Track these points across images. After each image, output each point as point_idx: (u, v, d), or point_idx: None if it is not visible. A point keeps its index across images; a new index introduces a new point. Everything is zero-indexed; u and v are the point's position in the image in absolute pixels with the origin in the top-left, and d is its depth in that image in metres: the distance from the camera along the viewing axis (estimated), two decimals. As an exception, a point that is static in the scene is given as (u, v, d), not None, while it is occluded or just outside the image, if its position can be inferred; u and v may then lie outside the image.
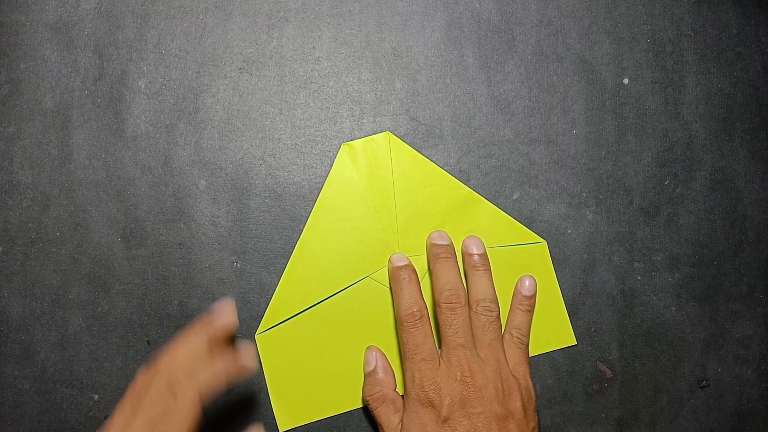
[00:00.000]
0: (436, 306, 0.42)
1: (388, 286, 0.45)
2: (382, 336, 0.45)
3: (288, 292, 0.45)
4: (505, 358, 0.42)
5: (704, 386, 0.44)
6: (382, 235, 0.45)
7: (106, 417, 0.44)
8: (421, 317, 0.41)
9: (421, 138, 0.47)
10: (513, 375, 0.41)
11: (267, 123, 0.46)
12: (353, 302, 0.45)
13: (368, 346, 0.44)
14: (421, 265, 0.45)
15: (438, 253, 0.43)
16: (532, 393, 0.42)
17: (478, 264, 0.44)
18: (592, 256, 0.47)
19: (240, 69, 0.46)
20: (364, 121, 0.46)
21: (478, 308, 0.42)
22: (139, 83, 0.46)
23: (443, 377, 0.40)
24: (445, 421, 0.39)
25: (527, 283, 0.45)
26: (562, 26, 0.47)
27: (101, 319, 0.45)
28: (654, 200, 0.47)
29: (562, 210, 0.47)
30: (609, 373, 0.46)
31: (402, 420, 0.40)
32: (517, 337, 0.43)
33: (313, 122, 0.46)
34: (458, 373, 0.39)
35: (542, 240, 0.46)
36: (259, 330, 0.44)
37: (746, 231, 0.47)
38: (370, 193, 0.45)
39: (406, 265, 0.44)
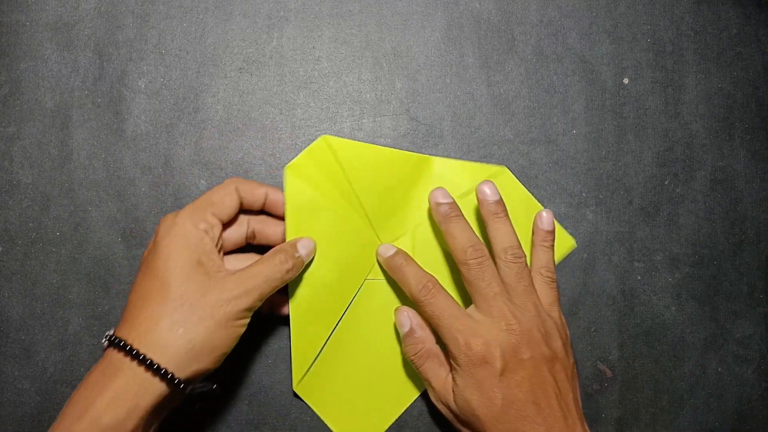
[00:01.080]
0: (462, 265, 0.41)
1: (386, 278, 0.45)
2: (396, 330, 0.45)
3: (302, 333, 0.43)
4: (539, 301, 0.42)
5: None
6: (362, 236, 0.44)
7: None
8: (434, 286, 0.41)
9: (421, 138, 0.47)
10: (550, 315, 0.41)
11: (267, 123, 0.46)
12: (365, 309, 0.45)
13: (397, 308, 0.43)
14: (408, 245, 0.45)
15: (447, 213, 0.42)
16: (567, 331, 0.42)
17: (497, 210, 0.43)
18: (592, 256, 0.47)
19: (240, 69, 0.46)
20: (364, 121, 0.46)
21: (507, 256, 0.41)
22: (139, 83, 0.46)
23: (488, 330, 0.39)
24: (502, 373, 0.38)
25: (546, 218, 0.44)
26: (562, 26, 0.47)
27: (101, 319, 0.45)
28: (654, 200, 0.47)
29: (562, 210, 0.47)
30: (609, 373, 0.46)
31: (454, 380, 0.40)
32: (548, 276, 0.43)
33: (313, 122, 0.46)
34: (503, 323, 0.39)
35: (503, 166, 0.46)
36: (294, 383, 0.44)
37: (746, 231, 0.47)
38: (332, 201, 0.44)
39: (396, 252, 0.43)
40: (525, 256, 0.42)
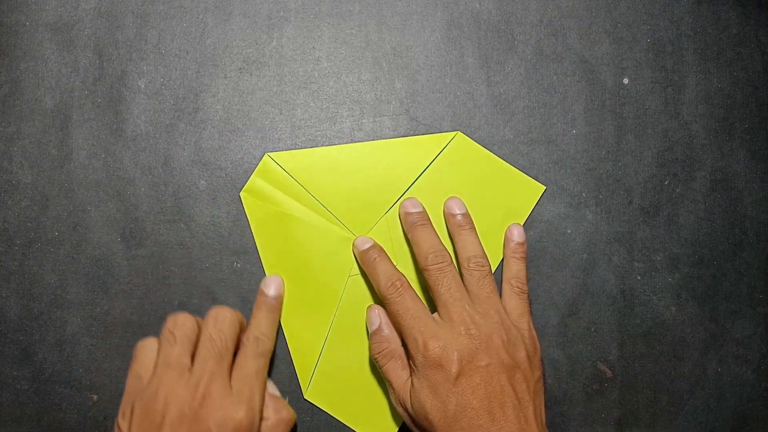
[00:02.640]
0: (424, 271, 0.42)
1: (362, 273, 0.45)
2: None
3: (298, 342, 0.44)
4: (505, 310, 0.41)
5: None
6: (334, 236, 0.45)
7: (104, 418, 0.44)
8: (402, 285, 0.41)
9: (421, 138, 0.47)
10: (515, 326, 0.41)
11: (267, 123, 0.46)
12: (356, 305, 0.45)
13: (368, 306, 0.44)
14: (384, 230, 0.45)
15: (414, 221, 0.44)
16: (537, 343, 0.41)
17: (462, 223, 0.44)
18: (592, 256, 0.47)
19: (240, 69, 0.46)
20: (364, 121, 0.46)
21: (470, 265, 0.42)
22: (139, 83, 0.46)
23: (447, 334, 0.39)
24: (457, 378, 0.38)
25: (515, 231, 0.45)
26: (562, 26, 0.48)
27: (100, 320, 0.45)
28: (654, 200, 0.47)
29: (562, 210, 0.47)
30: (609, 373, 0.46)
31: (412, 383, 0.40)
32: (517, 287, 0.43)
33: (313, 122, 0.46)
34: (462, 328, 0.39)
35: (456, 131, 0.46)
36: (304, 391, 0.44)
37: (746, 231, 0.47)
38: (295, 212, 0.45)
39: (371, 246, 0.44)
40: (489, 265, 0.43)
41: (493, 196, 0.46)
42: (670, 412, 0.46)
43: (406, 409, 0.40)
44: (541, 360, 0.42)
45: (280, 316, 0.44)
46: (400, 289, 0.41)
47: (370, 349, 0.42)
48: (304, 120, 0.46)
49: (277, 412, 0.40)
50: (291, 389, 0.44)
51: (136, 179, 0.46)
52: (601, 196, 0.47)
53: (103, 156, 0.46)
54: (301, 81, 0.47)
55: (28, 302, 0.45)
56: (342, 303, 0.45)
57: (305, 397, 0.44)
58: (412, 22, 0.47)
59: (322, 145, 0.46)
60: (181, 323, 0.39)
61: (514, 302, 0.42)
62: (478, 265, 0.42)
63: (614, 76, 0.47)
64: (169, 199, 0.45)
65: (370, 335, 0.43)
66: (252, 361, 0.40)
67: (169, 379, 0.37)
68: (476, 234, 0.44)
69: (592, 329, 0.46)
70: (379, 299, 0.45)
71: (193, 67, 0.46)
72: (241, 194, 0.45)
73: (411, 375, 0.40)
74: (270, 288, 0.43)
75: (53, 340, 0.45)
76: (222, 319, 0.40)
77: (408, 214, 0.44)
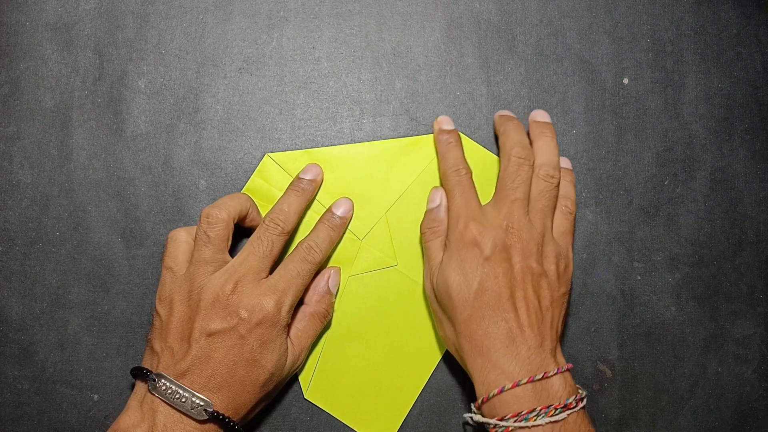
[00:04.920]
0: (504, 159, 0.42)
1: (367, 272, 0.45)
2: (392, 320, 0.45)
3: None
4: (551, 225, 0.42)
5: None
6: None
7: (105, 417, 0.44)
8: (466, 173, 0.43)
9: (421, 138, 0.47)
10: (557, 242, 0.42)
11: (267, 123, 0.46)
12: (354, 305, 0.45)
13: (434, 187, 0.44)
14: (384, 229, 0.46)
15: (507, 114, 0.46)
16: (571, 263, 0.42)
17: (545, 131, 0.44)
18: (592, 256, 0.47)
19: (240, 69, 0.46)
20: (364, 121, 0.46)
21: (541, 172, 0.42)
22: (139, 83, 0.46)
23: (489, 222, 0.40)
24: (487, 259, 0.39)
25: (536, 112, 0.46)
26: (562, 26, 0.47)
27: (101, 319, 0.45)
28: (654, 200, 0.47)
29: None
30: (609, 373, 0.46)
31: (442, 259, 0.41)
32: (565, 206, 0.43)
33: (313, 122, 0.46)
34: (505, 222, 0.40)
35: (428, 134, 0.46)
36: (304, 391, 0.44)
37: (746, 231, 0.47)
38: None
39: (453, 130, 0.45)
40: (558, 179, 0.43)
41: (488, 192, 0.45)
42: (670, 412, 0.46)
43: (431, 284, 0.42)
44: (571, 281, 0.42)
45: (340, 237, 0.44)
46: (464, 175, 0.43)
47: (422, 223, 0.44)
48: (304, 120, 0.46)
49: (318, 304, 0.42)
50: (291, 389, 0.44)
51: (136, 179, 0.46)
52: (601, 196, 0.47)
53: (103, 156, 0.46)
54: (301, 81, 0.47)
55: (29, 302, 0.45)
56: (342, 303, 0.45)
57: (305, 397, 0.44)
58: (412, 22, 0.47)
59: (323, 146, 0.46)
60: (214, 223, 0.40)
61: (560, 220, 0.43)
62: (548, 176, 0.42)
63: (614, 76, 0.47)
64: (169, 199, 0.45)
65: (426, 211, 0.44)
66: (297, 264, 0.41)
67: (203, 272, 0.39)
68: (556, 144, 0.44)
69: (592, 329, 0.46)
70: (376, 300, 0.45)
71: (193, 67, 0.46)
72: (243, 192, 0.45)
73: (443, 253, 0.41)
74: (339, 209, 0.44)
75: (54, 340, 0.45)
76: (275, 222, 0.41)
77: (500, 115, 0.45)
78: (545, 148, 0.43)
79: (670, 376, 0.46)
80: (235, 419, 0.38)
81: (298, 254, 0.41)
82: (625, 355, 0.46)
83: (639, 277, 0.47)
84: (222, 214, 0.40)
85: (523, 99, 0.47)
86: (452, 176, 0.43)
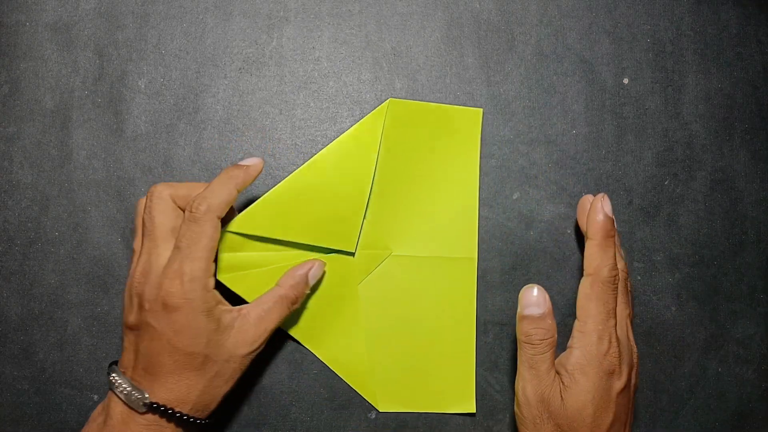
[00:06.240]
0: (602, 284, 0.39)
1: (372, 272, 0.45)
2: (418, 301, 0.45)
3: (346, 367, 0.45)
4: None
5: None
6: (327, 261, 0.44)
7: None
8: (618, 281, 0.40)
9: (421, 138, 0.47)
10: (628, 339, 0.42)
11: (267, 123, 0.46)
12: (376, 307, 0.45)
13: (527, 287, 0.40)
14: (378, 261, 0.45)
15: (609, 231, 0.41)
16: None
17: (613, 233, 0.42)
18: (592, 256, 0.47)
19: (240, 69, 0.46)
20: (364, 121, 0.46)
21: (615, 280, 0.41)
22: (139, 83, 0.46)
23: (624, 346, 0.40)
24: (621, 391, 0.39)
25: (599, 207, 0.41)
26: (562, 26, 0.47)
27: (100, 320, 0.45)
28: (654, 200, 0.47)
29: (562, 210, 0.47)
30: (609, 373, 0.46)
31: (563, 381, 0.39)
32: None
33: (313, 122, 0.46)
34: (627, 344, 0.40)
35: (386, 102, 0.45)
36: (377, 407, 0.45)
37: (746, 231, 0.47)
38: (279, 261, 0.43)
39: (613, 223, 0.41)
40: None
41: (443, 140, 0.45)
42: (670, 412, 0.46)
43: (544, 401, 0.39)
44: None
45: (237, 190, 0.40)
46: (620, 282, 0.40)
47: (532, 334, 0.39)
48: (304, 120, 0.46)
49: (291, 289, 0.41)
50: (291, 389, 0.44)
51: (136, 179, 0.46)
52: (601, 196, 0.47)
53: (103, 156, 0.46)
54: (301, 81, 0.47)
55: (28, 302, 0.45)
56: (364, 311, 0.45)
57: (380, 411, 0.44)
58: (412, 22, 0.47)
59: (323, 145, 0.46)
60: (136, 213, 0.41)
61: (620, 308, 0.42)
62: (623, 278, 0.41)
63: (614, 76, 0.47)
64: (169, 199, 0.45)
65: (530, 318, 0.39)
66: (185, 231, 0.38)
67: (134, 261, 0.40)
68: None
69: (592, 329, 0.46)
70: (395, 293, 0.45)
71: (193, 67, 0.46)
72: (219, 277, 0.41)
73: (567, 371, 0.39)
74: (245, 161, 0.41)
75: (54, 340, 0.45)
76: (153, 203, 0.40)
77: (607, 219, 0.40)
78: (611, 254, 0.40)
79: (670, 376, 0.46)
80: (179, 408, 0.37)
81: (184, 219, 0.39)
82: (625, 355, 0.46)
83: (639, 277, 0.47)
84: (138, 208, 0.41)
85: (523, 99, 0.47)
86: (606, 285, 0.39)
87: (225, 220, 0.41)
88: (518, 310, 0.40)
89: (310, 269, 0.42)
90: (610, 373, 0.39)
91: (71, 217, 0.45)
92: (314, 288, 0.43)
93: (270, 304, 0.41)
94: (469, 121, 0.46)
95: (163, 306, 0.37)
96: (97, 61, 0.46)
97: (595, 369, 0.38)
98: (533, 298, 0.40)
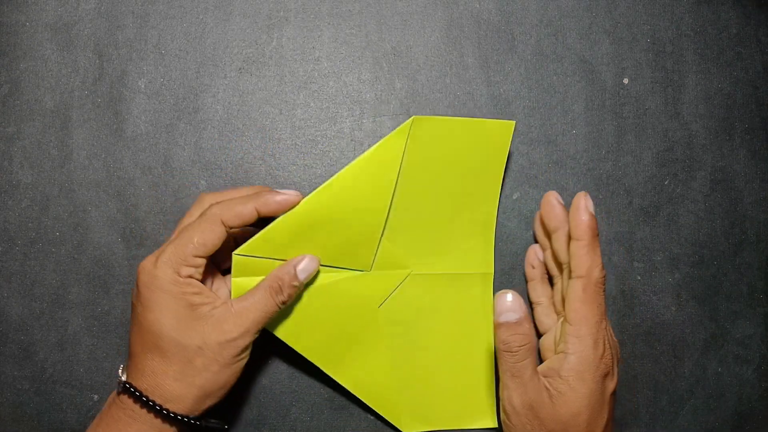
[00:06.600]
0: (592, 285, 0.39)
1: (391, 294, 0.44)
2: (434, 317, 0.44)
3: (367, 389, 0.44)
4: None
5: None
6: (346, 283, 0.42)
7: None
8: (604, 285, 0.40)
9: (421, 138, 0.47)
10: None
11: (267, 123, 0.46)
12: (395, 328, 0.44)
13: (500, 293, 0.39)
14: (397, 280, 0.44)
15: (595, 231, 0.40)
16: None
17: (597, 232, 0.41)
18: (592, 256, 0.47)
19: (240, 69, 0.46)
20: (364, 121, 0.46)
21: (600, 283, 0.40)
22: (139, 83, 0.46)
23: (613, 345, 0.40)
24: (614, 392, 0.39)
25: (582, 203, 0.40)
26: (562, 26, 0.47)
27: (101, 320, 0.45)
28: (654, 200, 0.47)
29: (562, 210, 0.47)
30: (609, 373, 0.46)
31: (558, 387, 0.38)
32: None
33: (313, 122, 0.46)
34: (615, 339, 0.41)
35: (410, 119, 0.41)
36: (402, 429, 0.44)
37: (746, 231, 0.47)
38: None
39: (596, 222, 0.40)
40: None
41: (467, 155, 0.43)
42: (670, 412, 0.46)
43: (533, 409, 0.38)
44: None
45: (256, 209, 0.39)
46: (604, 288, 0.39)
47: (508, 341, 0.38)
48: (304, 120, 0.46)
49: (276, 279, 0.39)
50: (292, 389, 0.44)
51: (136, 179, 0.46)
52: (601, 196, 0.47)
53: (103, 156, 0.46)
54: (301, 81, 0.47)
55: (29, 302, 0.45)
56: (383, 334, 0.44)
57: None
58: (412, 22, 0.47)
59: (323, 145, 0.46)
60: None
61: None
62: (603, 282, 0.40)
63: (614, 76, 0.47)
64: (169, 199, 0.45)
65: (506, 325, 0.38)
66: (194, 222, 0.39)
67: None
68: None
69: (592, 329, 0.46)
70: (411, 310, 0.44)
71: (193, 67, 0.46)
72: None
73: (555, 378, 0.39)
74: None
75: (54, 340, 0.45)
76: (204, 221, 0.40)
77: (593, 217, 0.40)
78: (598, 254, 0.40)
79: (670, 376, 0.46)
80: (152, 396, 0.37)
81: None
82: (625, 355, 0.46)
83: (639, 277, 0.47)
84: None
85: (523, 99, 0.47)
86: (598, 287, 0.39)
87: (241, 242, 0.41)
88: (493, 318, 0.39)
89: (299, 262, 0.40)
90: (605, 376, 0.38)
91: (71, 217, 0.45)
92: (338, 313, 0.42)
93: (255, 297, 0.39)
94: (499, 133, 0.43)
95: (137, 283, 0.38)
96: (97, 61, 0.46)
97: (592, 374, 0.38)
98: (508, 304, 0.38)
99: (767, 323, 0.47)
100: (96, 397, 0.44)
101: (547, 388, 0.38)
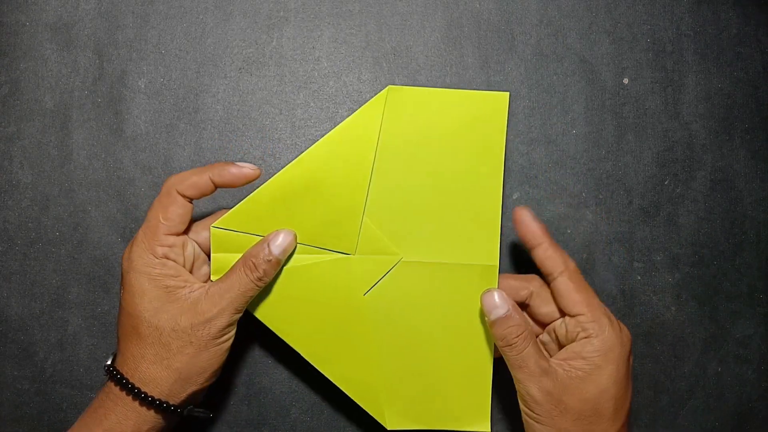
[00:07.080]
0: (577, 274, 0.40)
1: (379, 280, 0.42)
2: (426, 309, 0.42)
3: (352, 384, 0.41)
4: None
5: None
6: (326, 265, 0.41)
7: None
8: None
9: (421, 138, 0.47)
10: None
11: (267, 123, 0.46)
12: (383, 318, 0.42)
13: (486, 291, 0.40)
14: (386, 267, 0.42)
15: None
16: None
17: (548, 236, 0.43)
18: (591, 256, 0.47)
19: (240, 69, 0.46)
20: (364, 121, 0.46)
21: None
22: (139, 83, 0.46)
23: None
24: (632, 364, 0.40)
25: (524, 215, 0.40)
26: (562, 26, 0.47)
27: (101, 319, 0.45)
28: (654, 200, 0.47)
29: (562, 210, 0.47)
30: (609, 373, 0.46)
31: (597, 367, 0.38)
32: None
33: (313, 122, 0.46)
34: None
35: (385, 89, 0.41)
36: (385, 425, 0.41)
37: (746, 231, 0.47)
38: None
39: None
40: None
41: (459, 130, 0.41)
42: (670, 412, 0.46)
43: (552, 394, 0.38)
44: None
45: (211, 179, 0.39)
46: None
47: (504, 335, 0.38)
48: (304, 120, 0.46)
49: (251, 257, 0.39)
50: (292, 389, 0.44)
51: (136, 179, 0.46)
52: (601, 196, 0.47)
53: (103, 156, 0.46)
54: (301, 81, 0.47)
55: (29, 302, 0.45)
56: (371, 322, 0.41)
57: (389, 429, 0.41)
58: (412, 22, 0.47)
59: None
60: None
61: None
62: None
63: (614, 76, 0.47)
64: (169, 199, 0.45)
65: (498, 321, 0.39)
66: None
67: None
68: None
69: (592, 329, 0.46)
70: (403, 301, 0.42)
71: (193, 67, 0.46)
72: (213, 279, 0.40)
73: (577, 360, 0.38)
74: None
75: (54, 340, 0.45)
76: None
77: (539, 223, 0.41)
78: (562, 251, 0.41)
79: (670, 376, 0.46)
80: (130, 377, 0.37)
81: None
82: (625, 355, 0.46)
83: (639, 277, 0.47)
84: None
85: (523, 99, 0.47)
86: (580, 274, 0.40)
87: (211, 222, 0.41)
88: (486, 319, 0.39)
89: (274, 237, 0.39)
90: (628, 352, 0.39)
91: (71, 217, 0.45)
92: (319, 296, 0.41)
93: (230, 276, 0.39)
94: (492, 107, 0.41)
95: (121, 271, 0.39)
96: (97, 61, 0.46)
97: (618, 351, 0.38)
98: (494, 302, 0.39)
99: (767, 323, 0.47)
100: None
101: (566, 371, 0.38)
